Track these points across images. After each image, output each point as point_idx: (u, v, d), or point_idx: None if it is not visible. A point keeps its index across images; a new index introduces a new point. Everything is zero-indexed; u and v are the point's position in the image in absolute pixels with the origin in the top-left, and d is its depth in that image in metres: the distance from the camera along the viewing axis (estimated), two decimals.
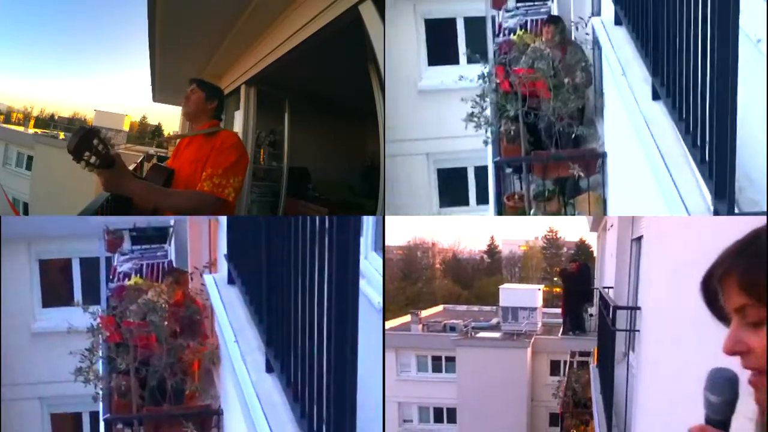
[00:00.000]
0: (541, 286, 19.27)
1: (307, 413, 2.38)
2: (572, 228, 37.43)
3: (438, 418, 17.35)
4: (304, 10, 6.58)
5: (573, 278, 14.24)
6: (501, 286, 18.76)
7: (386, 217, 4.45)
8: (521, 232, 42.44)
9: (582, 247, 30.88)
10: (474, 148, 7.35)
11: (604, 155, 6.11)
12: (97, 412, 7.40)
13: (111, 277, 8.42)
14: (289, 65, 8.18)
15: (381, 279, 3.75)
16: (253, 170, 10.34)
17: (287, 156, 11.52)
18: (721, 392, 1.22)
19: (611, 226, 8.60)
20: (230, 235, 4.22)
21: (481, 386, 15.47)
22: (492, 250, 41.40)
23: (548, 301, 20.51)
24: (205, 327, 7.01)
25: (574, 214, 6.95)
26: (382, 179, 6.48)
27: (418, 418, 17.40)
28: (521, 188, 6.88)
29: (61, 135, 31.54)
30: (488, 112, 6.56)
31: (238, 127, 10.27)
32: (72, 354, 6.73)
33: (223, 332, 3.52)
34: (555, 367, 15.90)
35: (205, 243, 8.22)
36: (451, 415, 16.78)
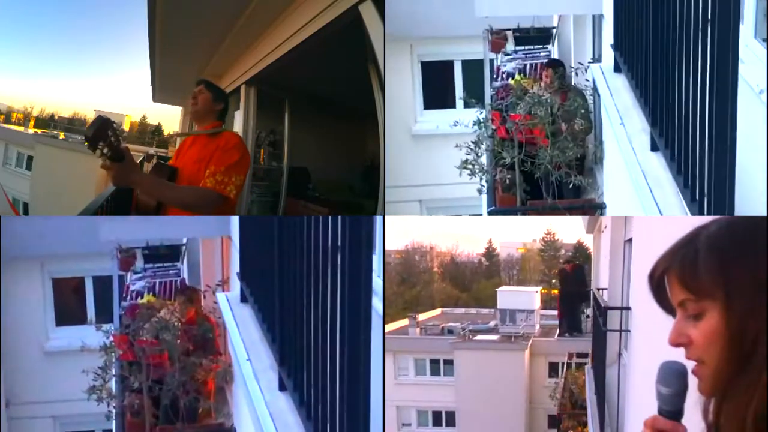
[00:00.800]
0: (539, 288, 19.28)
1: None
2: (570, 230, 37.41)
3: (437, 422, 17.32)
4: (304, 10, 6.58)
5: (568, 279, 14.24)
6: (499, 289, 18.93)
7: (386, 218, 4.46)
8: (519, 234, 42.44)
9: (579, 249, 30.85)
10: (469, 195, 7.18)
11: (603, 206, 5.99)
12: (111, 431, 7.42)
13: (124, 295, 8.43)
14: (289, 65, 8.18)
15: (380, 281, 3.75)
16: (253, 170, 10.34)
17: (287, 156, 11.52)
18: (671, 384, 1.28)
19: (605, 227, 8.62)
20: (243, 254, 4.25)
21: (480, 389, 15.48)
22: (490, 253, 41.33)
23: (546, 303, 20.49)
24: (218, 345, 7.02)
25: None
26: (382, 179, 6.47)
27: (416, 422, 17.40)
28: None
29: (61, 135, 31.55)
30: (484, 159, 6.40)
31: (238, 127, 10.28)
32: (85, 372, 6.77)
33: (236, 351, 3.53)
34: (553, 369, 15.87)
35: (217, 261, 8.27)
36: (450, 418, 16.77)
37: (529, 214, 6.34)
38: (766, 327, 1.15)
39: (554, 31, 7.97)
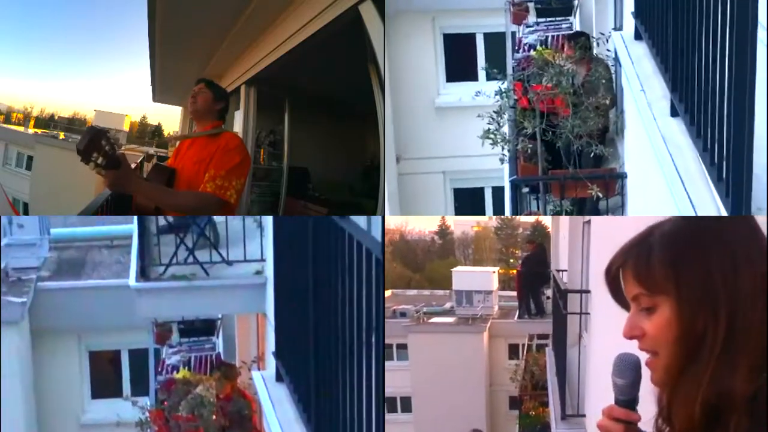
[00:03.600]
0: (496, 269, 18.70)
1: None
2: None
3: (391, 408, 16.81)
4: (304, 10, 6.58)
5: (530, 260, 14.01)
6: (454, 269, 18.24)
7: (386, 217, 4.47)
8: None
9: (538, 228, 30.05)
10: (492, 167, 7.20)
11: (624, 176, 5.96)
12: None
13: (159, 369, 8.42)
14: (289, 65, 8.18)
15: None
16: (253, 170, 10.34)
17: (287, 156, 11.52)
18: (626, 375, 1.38)
19: None
20: (278, 332, 4.22)
21: (436, 373, 15.14)
22: (443, 231, 39.25)
23: (504, 284, 19.94)
24: (255, 422, 6.97)
25: None
26: (382, 179, 6.47)
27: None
28: (538, 208, 6.77)
29: (61, 135, 31.56)
30: (506, 129, 6.46)
31: (238, 127, 10.28)
32: None
33: (271, 430, 3.54)
34: (513, 351, 15.61)
35: (253, 337, 8.26)
36: (406, 404, 16.41)
37: (551, 184, 6.35)
38: (713, 320, 1.22)
39: (576, 2, 7.95)
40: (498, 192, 10.23)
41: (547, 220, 20.72)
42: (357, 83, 6.53)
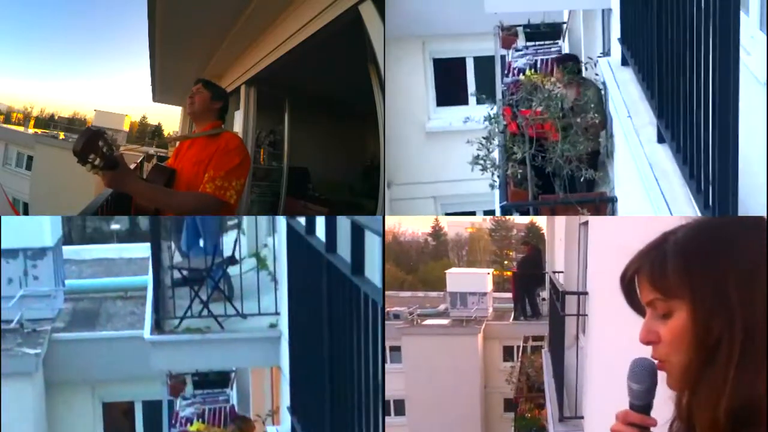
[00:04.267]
0: (491, 270, 18.68)
1: None
2: None
3: (385, 411, 16.80)
4: (304, 10, 6.58)
5: (525, 261, 13.97)
6: (448, 271, 18.17)
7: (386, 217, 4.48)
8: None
9: (532, 229, 29.95)
10: (482, 191, 7.24)
11: (614, 200, 5.97)
12: None
13: (173, 421, 8.43)
14: (289, 65, 8.18)
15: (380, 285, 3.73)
16: (253, 170, 10.33)
17: (287, 156, 11.52)
18: (641, 380, 1.38)
19: None
20: (293, 388, 4.19)
21: (431, 376, 15.07)
22: (437, 232, 39.12)
23: (498, 285, 19.86)
24: None
25: None
26: (382, 179, 6.47)
27: None
28: None
29: (61, 135, 31.54)
30: (495, 154, 6.47)
31: (238, 127, 10.28)
32: None
33: None
34: (508, 353, 15.60)
35: (267, 390, 8.28)
36: (399, 407, 16.32)
37: (541, 209, 6.35)
38: (728, 325, 1.23)
39: (564, 26, 7.98)
40: (489, 216, 10.25)
41: (541, 221, 20.70)
42: (357, 83, 6.53)
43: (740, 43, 2.30)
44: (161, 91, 14.53)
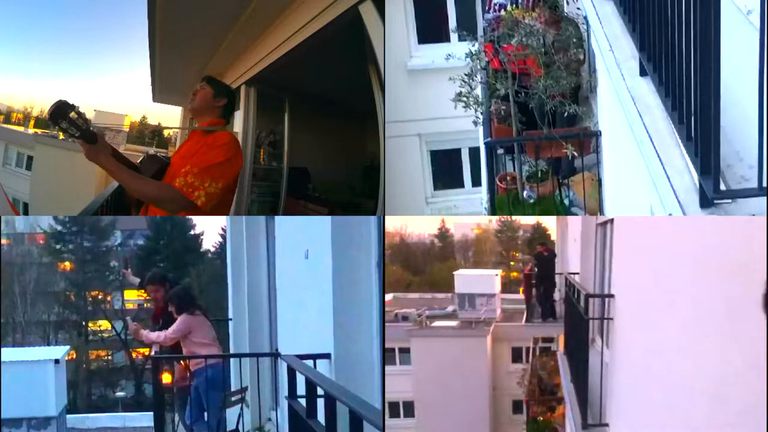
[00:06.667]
0: (499, 271, 18.54)
1: None
2: None
3: (394, 413, 16.70)
4: (304, 10, 6.58)
5: (541, 263, 13.91)
6: (456, 272, 17.96)
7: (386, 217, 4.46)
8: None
9: (538, 230, 29.90)
10: (467, 128, 7.20)
11: (598, 134, 5.96)
12: None
13: (487, 8, 7.92)
14: (289, 65, 8.18)
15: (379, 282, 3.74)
16: (253, 170, 10.33)
17: (287, 156, 11.51)
18: None
19: (575, 239, 8.51)
20: None
21: (439, 377, 15.01)
22: (443, 234, 38.79)
23: (504, 287, 19.66)
24: None
25: (568, 196, 6.78)
26: (382, 179, 6.47)
27: None
28: (513, 169, 6.73)
29: (61, 135, 31.47)
30: (478, 91, 6.44)
31: (238, 127, 10.27)
32: None
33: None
34: (517, 355, 15.53)
35: None
36: (408, 409, 16.25)
37: (526, 145, 6.32)
38: None
39: None
40: (475, 152, 10.20)
41: (550, 222, 20.63)
42: (357, 83, 6.52)
43: None
44: (161, 91, 14.52)
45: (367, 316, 4.47)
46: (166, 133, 39.91)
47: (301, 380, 4.19)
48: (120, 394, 29.04)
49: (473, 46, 6.42)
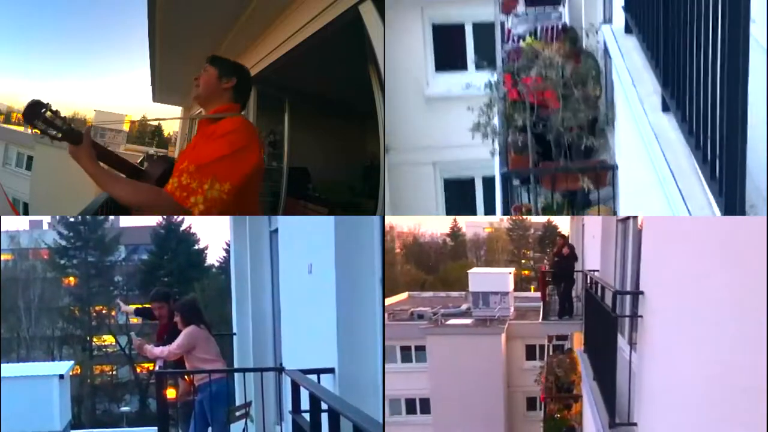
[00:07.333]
0: (512, 270, 18.66)
1: None
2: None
3: (410, 410, 16.97)
4: (304, 10, 6.58)
5: (562, 260, 13.87)
6: (470, 271, 18.19)
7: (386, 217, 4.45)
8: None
9: (549, 228, 29.99)
10: (482, 157, 7.23)
11: (614, 167, 5.95)
12: None
13: (506, 38, 8.04)
14: (289, 65, 8.17)
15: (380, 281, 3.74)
16: None
17: (287, 156, 11.51)
18: None
19: (593, 236, 8.46)
20: None
21: (455, 375, 15.16)
22: (455, 233, 39.41)
23: (517, 285, 19.92)
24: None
25: None
26: (382, 179, 6.47)
27: (389, 411, 17.10)
28: (529, 200, 6.72)
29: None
30: (496, 121, 6.45)
31: None
32: None
33: (621, 79, 3.78)
34: (530, 352, 15.70)
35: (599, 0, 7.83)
36: (425, 406, 16.45)
37: (542, 177, 6.32)
38: None
39: None
40: (488, 182, 10.21)
41: (559, 221, 20.64)
42: (357, 83, 6.52)
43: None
44: (161, 91, 14.52)
45: (371, 331, 4.46)
46: (166, 132, 39.93)
47: (305, 395, 4.17)
48: (124, 409, 29.13)
49: (492, 76, 6.44)
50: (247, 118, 4.09)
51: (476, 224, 39.70)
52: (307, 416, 4.08)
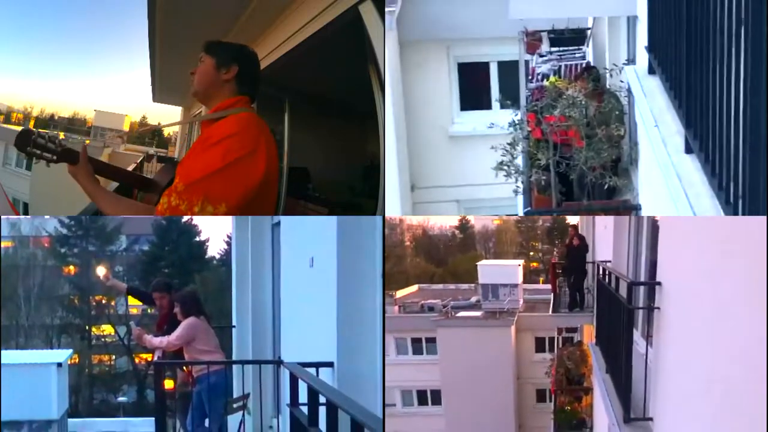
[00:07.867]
0: (521, 262, 18.75)
1: None
2: None
3: (422, 401, 17.13)
4: (304, 10, 6.58)
5: (576, 252, 13.81)
6: (479, 263, 18.28)
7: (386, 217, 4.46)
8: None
9: (558, 220, 29.94)
10: (505, 196, 7.32)
11: (638, 207, 5.96)
12: None
13: (530, 77, 8.24)
14: (289, 65, 8.17)
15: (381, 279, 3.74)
16: None
17: (287, 156, 11.50)
18: None
19: (605, 227, 8.41)
20: (651, 23, 4.09)
21: (465, 366, 15.26)
22: (464, 225, 39.30)
23: (526, 277, 19.98)
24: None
25: None
26: (382, 179, 6.47)
27: (401, 402, 17.20)
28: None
29: (61, 135, 31.49)
30: (519, 160, 6.48)
31: None
32: None
33: (643, 118, 3.74)
34: (540, 344, 15.82)
35: (623, 38, 7.73)
36: (436, 397, 16.59)
37: (564, 216, 6.36)
38: None
39: (589, 32, 8.02)
40: None
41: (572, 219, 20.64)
42: (357, 83, 6.52)
43: None
44: (161, 91, 14.53)
45: (371, 325, 4.47)
46: (166, 132, 39.95)
47: (303, 388, 4.18)
48: (122, 399, 29.11)
49: (516, 115, 6.47)
50: (254, 112, 3.57)
51: (484, 216, 39.63)
52: (304, 409, 4.09)
